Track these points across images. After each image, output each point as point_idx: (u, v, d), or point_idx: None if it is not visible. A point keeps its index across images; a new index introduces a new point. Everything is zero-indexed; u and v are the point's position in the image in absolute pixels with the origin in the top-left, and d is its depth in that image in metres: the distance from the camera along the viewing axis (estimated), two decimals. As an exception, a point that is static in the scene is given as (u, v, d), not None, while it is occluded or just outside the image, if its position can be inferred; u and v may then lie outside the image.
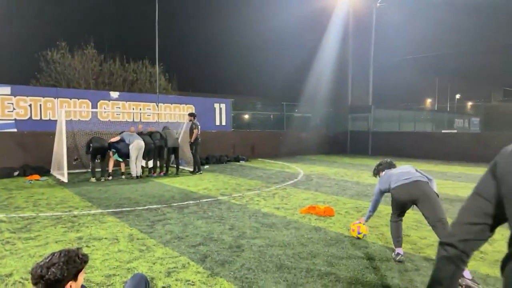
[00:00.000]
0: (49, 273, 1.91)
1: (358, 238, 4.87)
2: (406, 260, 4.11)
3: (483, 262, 4.06)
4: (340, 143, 21.05)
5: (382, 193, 4.31)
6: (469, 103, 45.30)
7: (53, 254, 2.02)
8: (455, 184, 9.72)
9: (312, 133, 20.28)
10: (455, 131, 29.32)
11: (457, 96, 56.12)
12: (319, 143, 20.18)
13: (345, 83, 22.09)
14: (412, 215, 6.31)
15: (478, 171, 12.38)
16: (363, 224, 4.88)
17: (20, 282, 3.54)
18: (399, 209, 4.14)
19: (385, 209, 6.76)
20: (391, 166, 4.45)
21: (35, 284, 1.94)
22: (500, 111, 28.46)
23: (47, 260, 1.97)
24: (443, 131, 25.34)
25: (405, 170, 4.15)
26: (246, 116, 19.74)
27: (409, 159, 16.83)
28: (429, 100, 52.43)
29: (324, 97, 21.43)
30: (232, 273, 3.77)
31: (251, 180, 10.52)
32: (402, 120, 24.81)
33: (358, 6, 21.07)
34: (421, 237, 5.05)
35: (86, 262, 2.11)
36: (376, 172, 4.57)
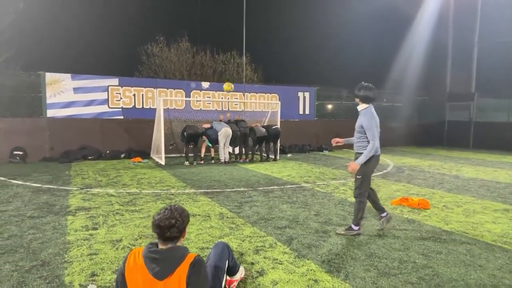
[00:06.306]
0: (177, 222, 2.16)
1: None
2: (520, 262, 3.61)
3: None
4: (436, 135, 19.28)
5: None
6: None
7: (167, 209, 2.23)
8: None
9: (403, 123, 18.90)
10: None
11: None
12: (410, 134, 18.78)
13: (442, 68, 20.04)
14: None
15: None
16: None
17: (128, 247, 4.00)
18: None
19: (492, 205, 6.03)
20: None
21: (168, 230, 2.15)
22: None
23: (169, 211, 2.21)
24: None
25: None
26: (330, 106, 19.24)
27: (521, 154, 14.72)
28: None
29: (417, 84, 19.74)
30: (319, 256, 3.74)
31: (336, 169, 10.27)
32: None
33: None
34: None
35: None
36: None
